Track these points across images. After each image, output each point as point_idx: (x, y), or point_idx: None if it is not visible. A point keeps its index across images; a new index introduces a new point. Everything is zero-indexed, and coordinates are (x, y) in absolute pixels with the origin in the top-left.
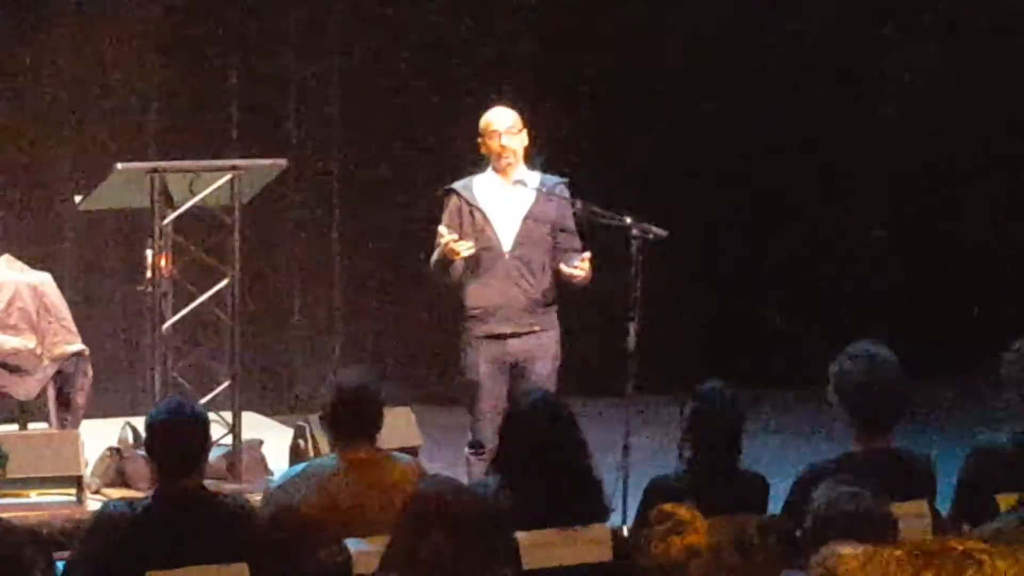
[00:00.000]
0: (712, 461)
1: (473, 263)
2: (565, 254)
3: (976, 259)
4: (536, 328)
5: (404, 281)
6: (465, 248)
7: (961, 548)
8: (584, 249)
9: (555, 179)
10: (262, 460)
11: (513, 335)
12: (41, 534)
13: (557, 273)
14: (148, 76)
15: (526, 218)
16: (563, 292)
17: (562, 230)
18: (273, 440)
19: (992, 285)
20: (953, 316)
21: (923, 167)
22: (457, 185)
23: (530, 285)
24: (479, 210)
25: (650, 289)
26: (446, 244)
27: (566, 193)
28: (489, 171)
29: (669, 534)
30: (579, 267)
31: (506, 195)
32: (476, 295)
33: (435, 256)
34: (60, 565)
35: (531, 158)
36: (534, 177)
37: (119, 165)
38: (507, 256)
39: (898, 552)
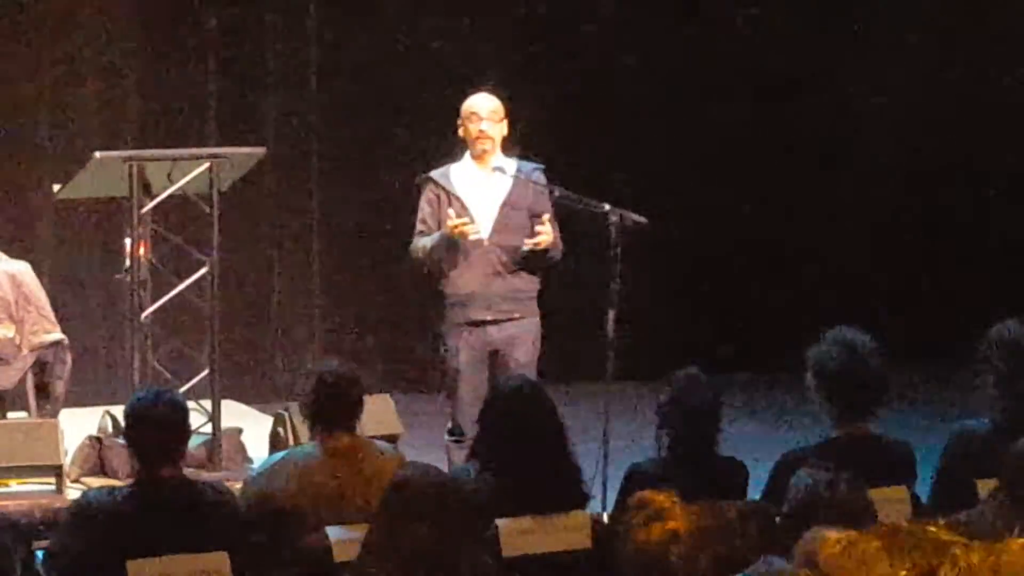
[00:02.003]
0: (691, 447)
1: (453, 250)
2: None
3: (957, 247)
4: (516, 315)
5: (383, 269)
6: (474, 231)
7: (937, 540)
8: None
9: (532, 165)
10: (242, 448)
11: (493, 322)
12: (20, 523)
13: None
14: (126, 65)
15: (504, 205)
16: (544, 278)
17: (539, 216)
18: (253, 428)
19: (972, 272)
20: (933, 302)
21: (907, 154)
22: (434, 173)
23: (509, 272)
24: (457, 198)
25: (629, 275)
26: (455, 227)
27: (543, 179)
28: (466, 158)
29: (649, 520)
30: (540, 232)
31: (483, 182)
32: (455, 282)
33: (427, 242)
34: (40, 554)
35: (510, 147)
36: (511, 164)
37: (97, 154)
38: (486, 243)
39: (876, 542)
